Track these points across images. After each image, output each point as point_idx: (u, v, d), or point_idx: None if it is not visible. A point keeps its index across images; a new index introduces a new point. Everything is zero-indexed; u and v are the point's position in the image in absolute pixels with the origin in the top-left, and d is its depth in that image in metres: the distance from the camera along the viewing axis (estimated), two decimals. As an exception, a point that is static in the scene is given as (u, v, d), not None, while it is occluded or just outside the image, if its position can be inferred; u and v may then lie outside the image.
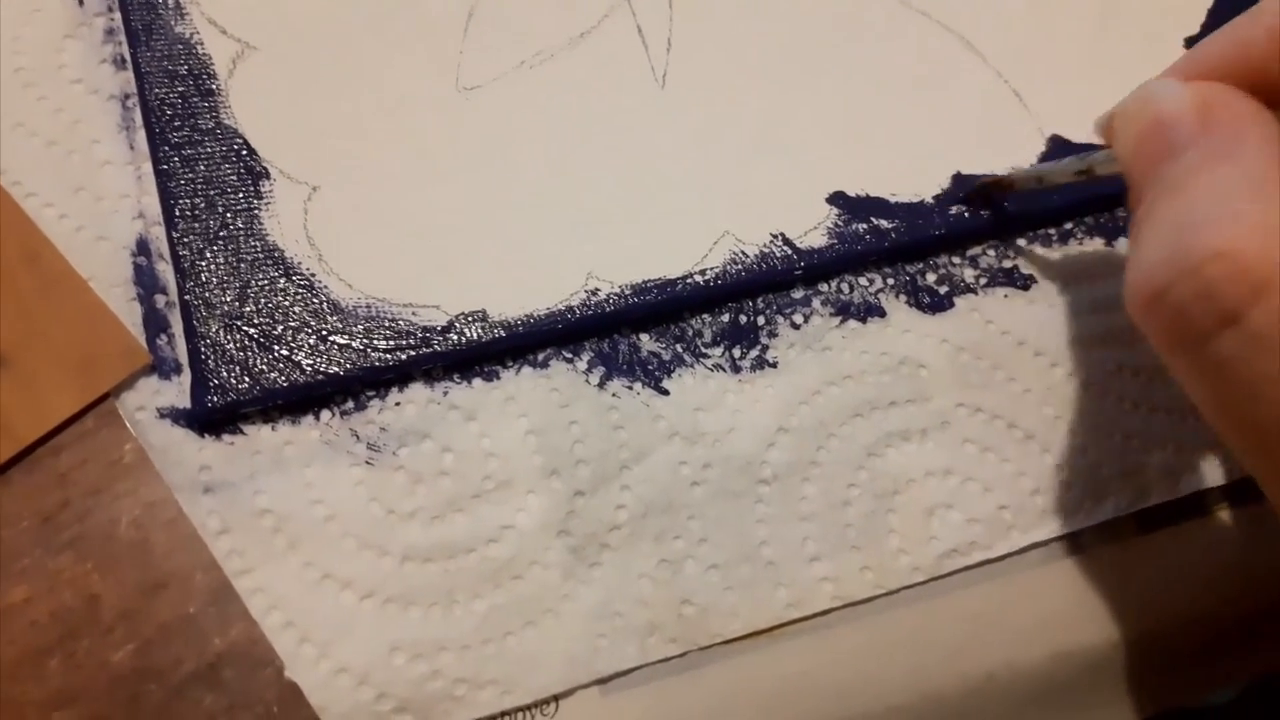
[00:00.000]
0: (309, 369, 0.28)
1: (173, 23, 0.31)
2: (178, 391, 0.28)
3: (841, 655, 0.28)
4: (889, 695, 0.28)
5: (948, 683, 0.28)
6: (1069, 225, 0.33)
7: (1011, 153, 0.33)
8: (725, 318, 0.31)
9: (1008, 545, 0.29)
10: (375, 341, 0.28)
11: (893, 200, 0.32)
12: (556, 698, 0.27)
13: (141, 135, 0.30)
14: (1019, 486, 0.30)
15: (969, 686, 0.28)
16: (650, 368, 0.30)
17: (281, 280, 0.29)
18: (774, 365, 0.30)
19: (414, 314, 0.29)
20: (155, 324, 0.29)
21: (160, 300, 0.29)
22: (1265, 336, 0.19)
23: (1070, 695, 0.29)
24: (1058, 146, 0.33)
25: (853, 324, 0.31)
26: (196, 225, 0.29)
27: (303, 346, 0.28)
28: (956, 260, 0.32)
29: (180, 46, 0.31)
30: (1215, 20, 0.36)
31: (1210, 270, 0.19)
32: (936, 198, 0.32)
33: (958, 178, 0.32)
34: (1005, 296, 0.32)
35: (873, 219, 0.32)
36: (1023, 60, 0.34)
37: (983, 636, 0.29)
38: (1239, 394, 0.20)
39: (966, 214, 0.32)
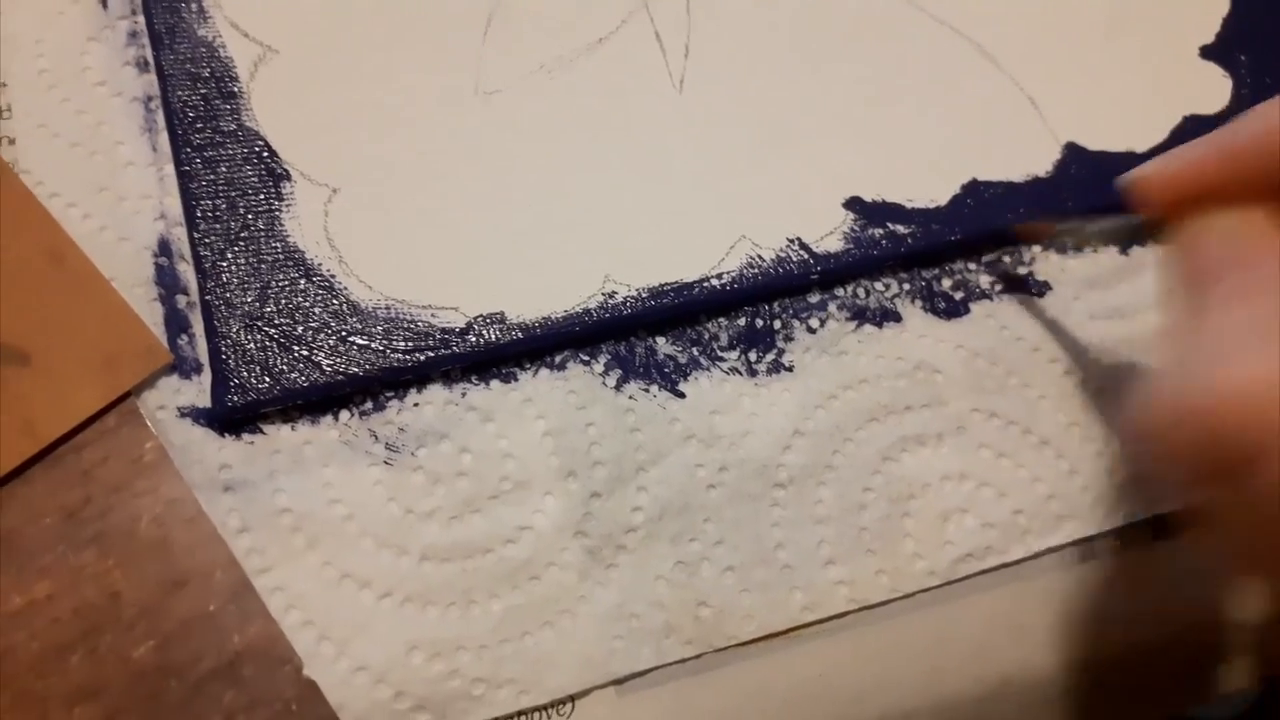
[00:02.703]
0: (329, 369, 0.28)
1: (195, 26, 0.31)
2: (198, 391, 0.28)
3: (857, 658, 0.28)
4: (905, 698, 0.28)
5: (963, 686, 0.28)
6: (1084, 232, 0.33)
7: (1027, 159, 0.33)
8: (741, 321, 0.31)
9: (1023, 550, 0.29)
10: (394, 343, 0.28)
11: (909, 205, 0.32)
12: (573, 698, 0.27)
13: (164, 137, 0.30)
14: (1034, 492, 0.30)
15: (984, 690, 0.28)
16: (667, 370, 0.30)
17: (302, 281, 0.29)
18: (790, 369, 0.30)
19: (433, 316, 0.29)
20: (176, 324, 0.29)
21: (181, 300, 0.29)
22: (1258, 500, 0.19)
23: (1085, 699, 0.29)
24: (1071, 155, 0.33)
25: (868, 329, 0.31)
26: (218, 226, 0.29)
27: (322, 347, 0.28)
28: (972, 266, 0.32)
29: (203, 49, 0.31)
30: (1230, 30, 0.36)
31: (1220, 418, 0.20)
32: (953, 203, 0.32)
33: (973, 185, 0.33)
34: (1020, 303, 0.32)
35: (889, 224, 0.32)
36: (1038, 68, 0.35)
37: (998, 640, 0.29)
38: (1245, 530, 0.21)
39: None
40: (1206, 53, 0.36)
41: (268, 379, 0.28)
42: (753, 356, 0.30)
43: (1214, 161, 0.24)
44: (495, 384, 0.29)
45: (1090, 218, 0.31)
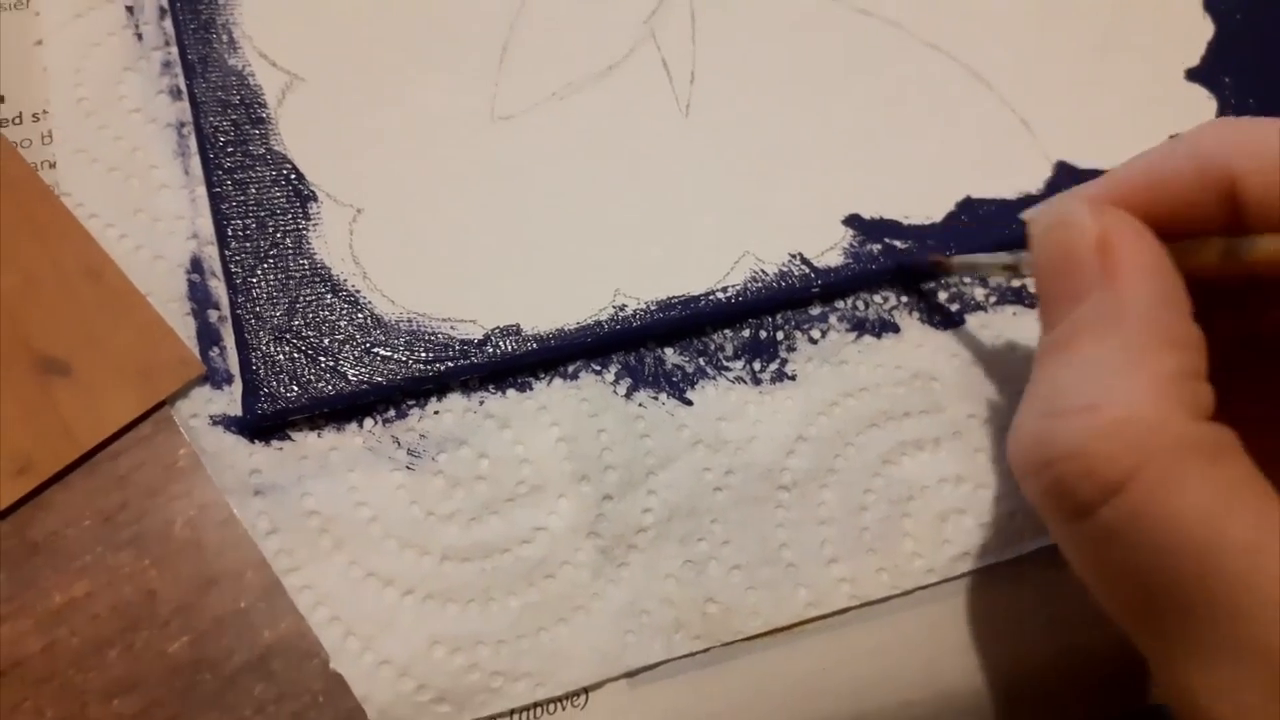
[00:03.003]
0: (354, 379, 0.29)
1: (226, 56, 0.33)
2: (229, 400, 0.30)
3: (859, 652, 0.29)
4: (904, 691, 0.29)
5: (961, 680, 0.29)
6: (1074, 246, 0.35)
7: (1019, 177, 0.35)
8: (746, 333, 0.32)
9: (1018, 549, 0.31)
10: (416, 354, 0.30)
11: (905, 222, 0.33)
12: (587, 690, 0.28)
13: (196, 161, 0.32)
14: (1028, 493, 0.31)
15: (981, 683, 0.29)
16: (674, 379, 0.31)
17: (328, 296, 0.30)
18: (793, 378, 0.32)
19: (452, 328, 0.30)
20: (208, 337, 0.30)
21: (213, 315, 0.31)
22: (1114, 532, 0.20)
23: (1080, 690, 0.30)
24: (1062, 174, 0.35)
25: (868, 339, 0.32)
26: (248, 244, 0.31)
27: (348, 358, 0.30)
28: (967, 280, 0.34)
29: (233, 78, 0.33)
30: (1215, 53, 0.38)
31: (1064, 468, 0.21)
32: (947, 219, 0.34)
33: (967, 202, 0.34)
34: (1014, 314, 0.33)
35: (886, 239, 0.33)
36: (1029, 90, 0.36)
37: (994, 635, 0.30)
38: (1096, 571, 0.22)
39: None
40: (1192, 75, 0.38)
41: (296, 388, 0.29)
42: (757, 366, 0.32)
43: (1139, 193, 0.24)
44: (511, 393, 0.31)
45: (986, 254, 0.31)
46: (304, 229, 0.31)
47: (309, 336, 0.30)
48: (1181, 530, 0.19)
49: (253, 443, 0.29)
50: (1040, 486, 0.22)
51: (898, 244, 0.33)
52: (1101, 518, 0.20)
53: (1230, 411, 0.21)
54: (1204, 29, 0.39)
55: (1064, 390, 0.22)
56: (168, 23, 0.34)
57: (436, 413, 0.30)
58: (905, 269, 0.33)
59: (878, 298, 0.33)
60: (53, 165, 0.31)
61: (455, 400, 0.30)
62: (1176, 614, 0.20)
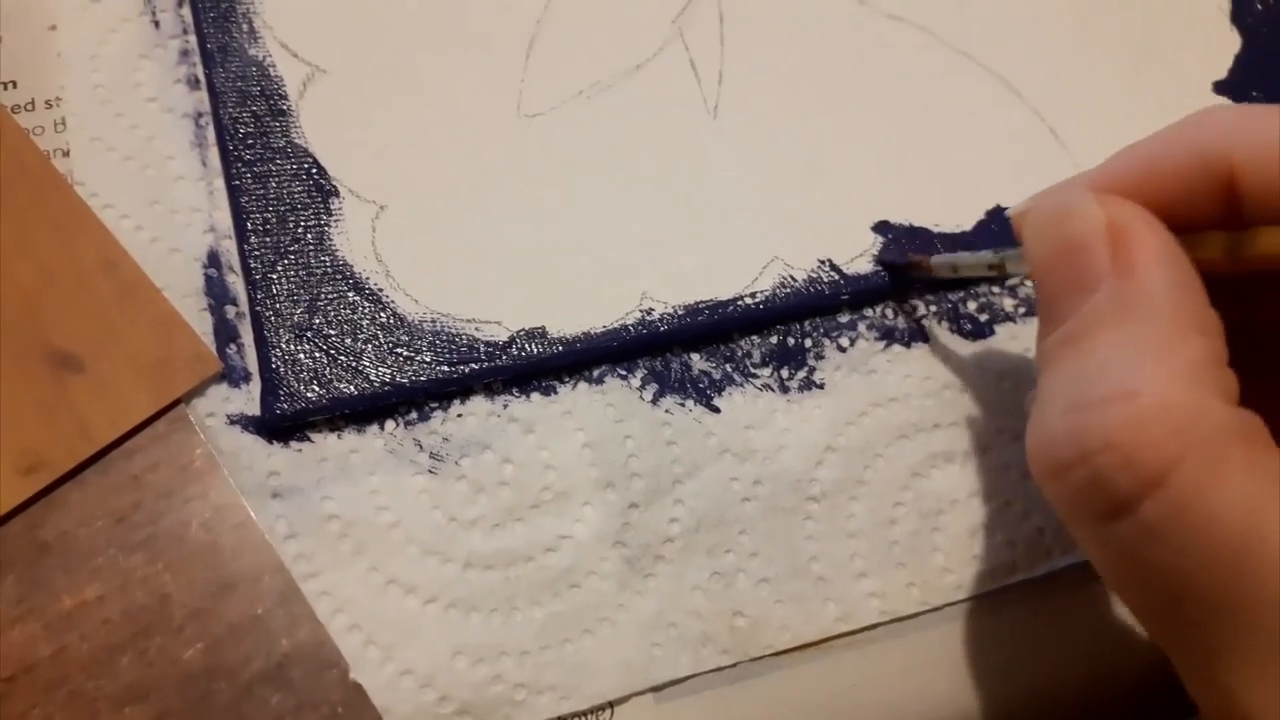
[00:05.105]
0: (375, 380, 0.29)
1: (247, 46, 0.32)
2: (246, 399, 0.29)
3: (889, 669, 0.29)
4: (935, 709, 0.29)
5: (991, 698, 0.29)
6: (1105, 259, 0.34)
7: (1048, 187, 0.34)
8: (774, 339, 0.32)
9: (1048, 566, 0.30)
10: (439, 355, 0.29)
11: (935, 230, 0.33)
12: (612, 704, 0.28)
13: (213, 152, 0.31)
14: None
15: (1012, 702, 0.29)
16: (701, 386, 0.31)
17: (350, 294, 0.30)
18: (821, 386, 0.31)
19: (476, 330, 0.30)
20: (225, 333, 0.29)
21: (230, 311, 0.30)
22: (1156, 528, 0.19)
23: (1109, 711, 0.30)
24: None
25: (897, 348, 0.32)
26: (268, 239, 0.30)
27: (370, 358, 0.29)
28: (997, 290, 0.33)
29: (254, 68, 0.32)
30: (1243, 66, 0.38)
31: (1102, 460, 0.19)
32: (977, 228, 0.33)
33: (997, 211, 0.34)
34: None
35: (917, 247, 0.33)
36: (1059, 100, 0.36)
37: (1024, 653, 0.29)
38: (1131, 575, 0.20)
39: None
40: (1220, 88, 0.37)
41: (316, 388, 0.28)
42: (785, 374, 0.31)
43: (1138, 183, 0.22)
44: (536, 396, 0.30)
45: (968, 254, 0.30)
46: (326, 225, 0.30)
47: (330, 335, 0.29)
48: (1226, 522, 0.18)
49: (271, 443, 0.28)
50: (1073, 485, 0.20)
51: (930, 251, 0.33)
52: (1143, 514, 0.19)
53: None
54: (1231, 42, 0.38)
55: (1091, 380, 0.20)
56: (186, 10, 0.33)
57: (459, 415, 0.29)
58: (886, 266, 0.32)
59: (907, 306, 0.33)
60: (66, 154, 0.31)
61: (478, 403, 0.30)
62: (1218, 613, 0.19)
